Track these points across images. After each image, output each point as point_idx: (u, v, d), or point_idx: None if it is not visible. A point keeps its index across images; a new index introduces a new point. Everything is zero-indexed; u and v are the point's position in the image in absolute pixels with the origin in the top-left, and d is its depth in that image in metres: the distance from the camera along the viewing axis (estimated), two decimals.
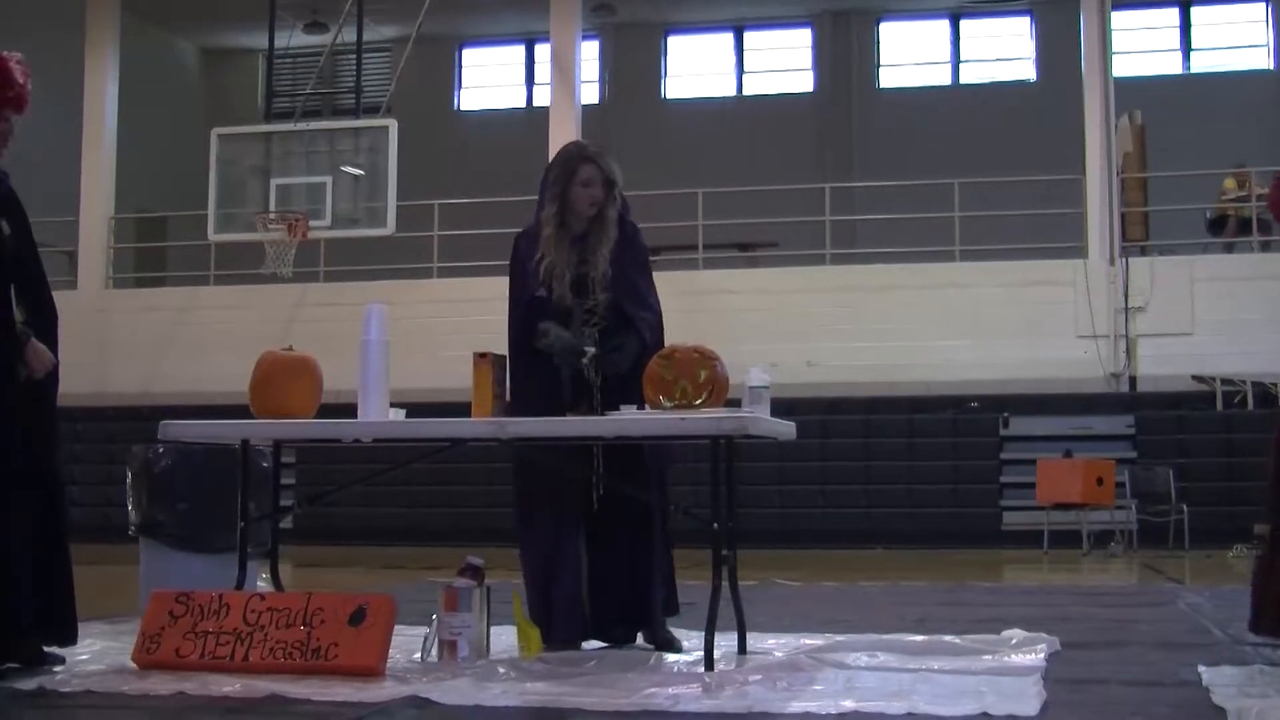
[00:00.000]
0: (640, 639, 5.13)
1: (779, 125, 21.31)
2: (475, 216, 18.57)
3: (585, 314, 5.11)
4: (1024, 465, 15.03)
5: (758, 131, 20.78)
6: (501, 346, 5.19)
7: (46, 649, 4.53)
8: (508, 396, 4.98)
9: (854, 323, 15.97)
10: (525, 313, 5.09)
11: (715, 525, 4.66)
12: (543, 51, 21.74)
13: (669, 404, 4.76)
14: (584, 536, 5.10)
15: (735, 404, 4.87)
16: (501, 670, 4.42)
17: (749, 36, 22.60)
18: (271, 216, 14.18)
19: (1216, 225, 17.29)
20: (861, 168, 21.07)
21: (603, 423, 4.78)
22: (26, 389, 4.45)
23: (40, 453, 4.50)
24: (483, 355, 4.91)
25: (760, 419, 4.73)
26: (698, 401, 4.74)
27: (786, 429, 5.01)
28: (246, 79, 23.30)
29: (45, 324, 4.55)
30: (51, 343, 4.55)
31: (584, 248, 5.13)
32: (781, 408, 5.19)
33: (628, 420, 4.79)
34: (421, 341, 14.96)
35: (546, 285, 5.07)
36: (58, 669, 4.48)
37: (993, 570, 11.74)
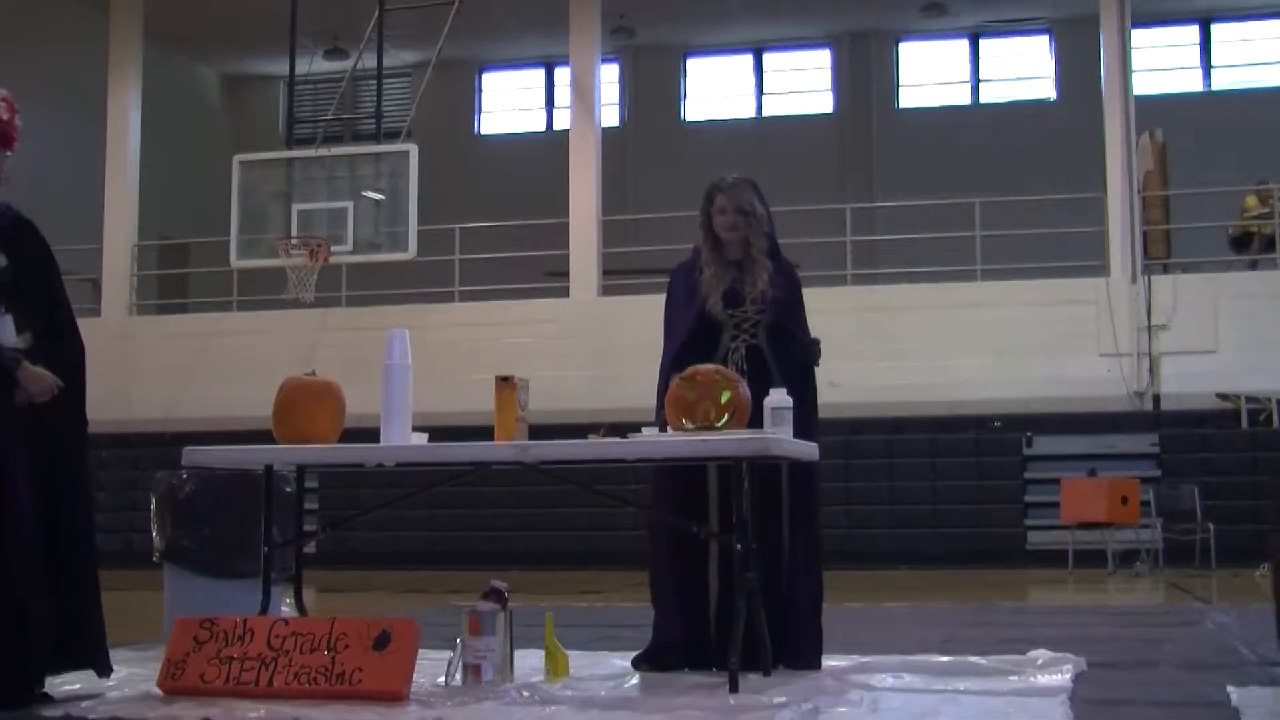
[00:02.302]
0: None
1: (799, 146, 21.34)
2: (496, 240, 18.63)
3: (734, 327, 5.27)
4: (1048, 484, 14.96)
5: (778, 153, 20.79)
6: (522, 368, 5.25)
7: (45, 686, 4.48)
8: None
9: (876, 343, 15.95)
10: (672, 348, 5.31)
11: (738, 546, 4.66)
12: (563, 75, 21.82)
13: (691, 426, 4.76)
14: (717, 564, 5.18)
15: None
16: (526, 694, 4.40)
17: (768, 58, 22.64)
18: (293, 242, 14.22)
19: (1239, 243, 17.22)
20: (882, 188, 21.08)
21: (625, 445, 4.79)
22: (42, 416, 4.47)
23: (53, 480, 4.51)
24: (505, 379, 4.92)
25: (782, 440, 4.73)
26: (720, 423, 4.74)
27: (809, 450, 5.01)
28: (268, 105, 23.41)
29: (62, 356, 4.57)
30: (71, 377, 4.56)
31: (740, 270, 5.35)
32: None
33: (650, 442, 4.80)
34: (444, 365, 14.98)
35: (704, 297, 5.31)
36: (84, 701, 4.48)
37: (1018, 590, 11.68)
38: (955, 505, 15.55)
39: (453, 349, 15.94)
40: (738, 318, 5.30)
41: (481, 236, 18.51)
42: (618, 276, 17.90)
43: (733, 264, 5.37)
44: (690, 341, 5.32)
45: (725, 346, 5.28)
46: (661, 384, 5.20)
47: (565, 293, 17.24)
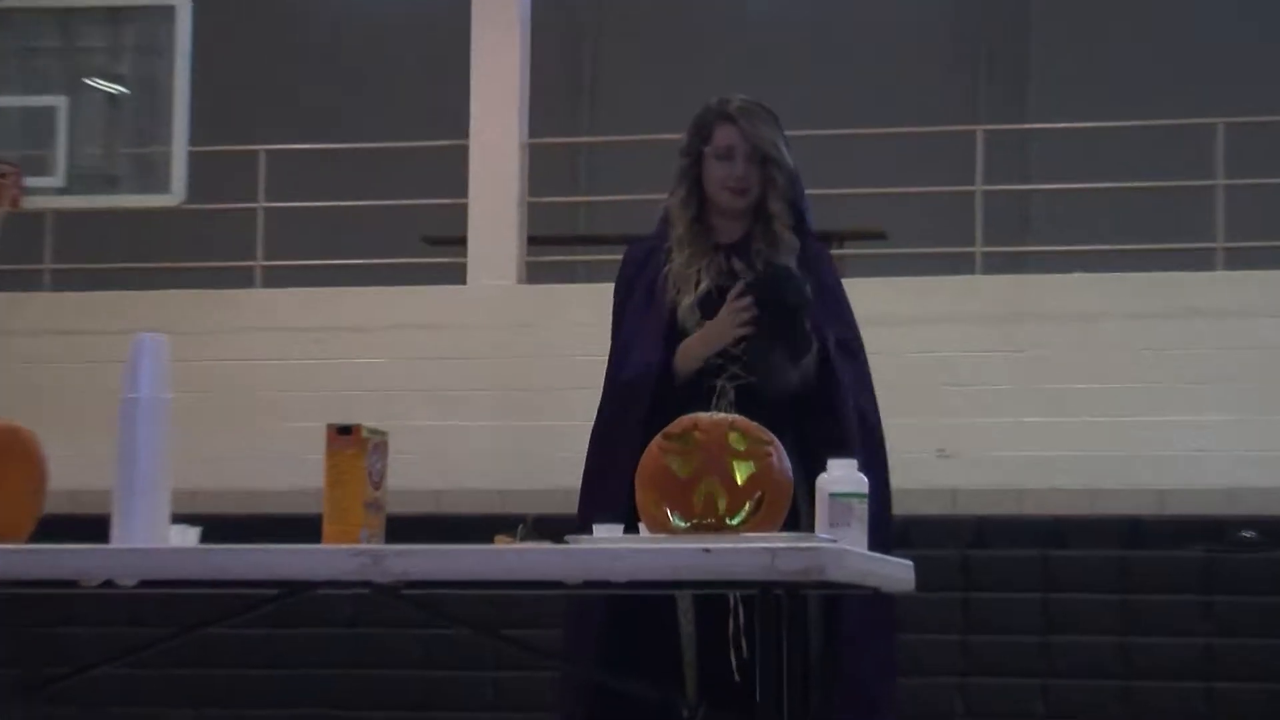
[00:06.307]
0: None
1: (896, 33, 21.52)
2: (336, 178, 18.65)
3: (719, 353, 5.56)
4: None
5: (855, 45, 20.94)
6: (378, 411, 5.27)
7: None
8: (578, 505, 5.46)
9: (1021, 379, 15.96)
10: (624, 388, 5.66)
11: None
12: None
13: (682, 523, 4.73)
14: None
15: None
16: None
17: None
18: None
19: None
20: (1040, 98, 21.19)
21: (566, 558, 4.77)
22: None
23: None
24: (345, 430, 4.91)
25: (850, 552, 4.72)
26: (735, 519, 4.72)
27: (899, 572, 5.02)
28: None
29: None
30: None
31: (739, 258, 5.69)
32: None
33: (609, 552, 4.77)
34: (235, 403, 15.01)
35: (671, 301, 5.67)
36: None
37: None
38: (1168, 680, 15.56)
39: (253, 374, 15.94)
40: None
41: (309, 171, 18.52)
42: (555, 249, 17.93)
43: (726, 248, 5.64)
44: (645, 377, 5.39)
45: (706, 384, 5.51)
46: (594, 452, 5.27)
47: (460, 276, 17.25)
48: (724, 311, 5.47)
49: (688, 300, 5.50)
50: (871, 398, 5.53)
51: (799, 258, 5.61)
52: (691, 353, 5.53)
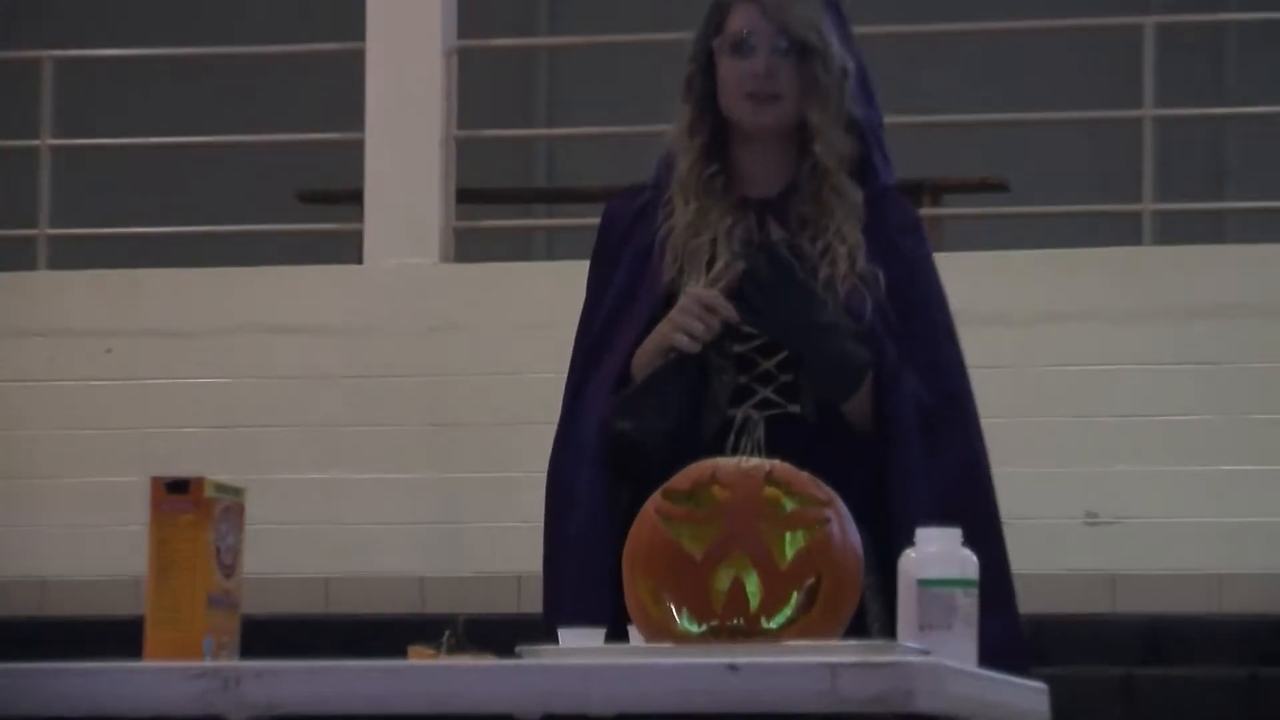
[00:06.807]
0: None
1: None
2: (176, 96, 18.81)
3: (745, 367, 5.74)
4: None
5: None
6: (233, 459, 5.35)
7: None
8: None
9: (1213, 405, 16.03)
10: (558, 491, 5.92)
11: None
12: None
13: (695, 626, 4.76)
14: None
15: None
16: None
17: None
18: None
19: None
20: None
21: (507, 679, 4.81)
22: None
23: None
24: (178, 486, 4.94)
25: (950, 669, 4.74)
26: (775, 619, 4.73)
27: (1027, 699, 5.07)
28: None
29: None
30: None
31: (775, 215, 5.83)
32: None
33: (569, 670, 4.81)
34: (12, 447, 15.12)
35: (669, 281, 5.77)
36: None
37: None
38: None
39: (36, 402, 16.03)
40: (756, 340, 5.76)
41: (121, 92, 18.67)
42: (499, 210, 18.13)
43: (759, 204, 5.85)
44: (578, 476, 5.82)
45: (719, 413, 5.67)
46: (553, 509, 5.61)
47: (354, 251, 17.34)
48: (680, 301, 5.52)
49: (695, 284, 5.52)
50: (967, 435, 5.58)
51: (866, 220, 5.65)
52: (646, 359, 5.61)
